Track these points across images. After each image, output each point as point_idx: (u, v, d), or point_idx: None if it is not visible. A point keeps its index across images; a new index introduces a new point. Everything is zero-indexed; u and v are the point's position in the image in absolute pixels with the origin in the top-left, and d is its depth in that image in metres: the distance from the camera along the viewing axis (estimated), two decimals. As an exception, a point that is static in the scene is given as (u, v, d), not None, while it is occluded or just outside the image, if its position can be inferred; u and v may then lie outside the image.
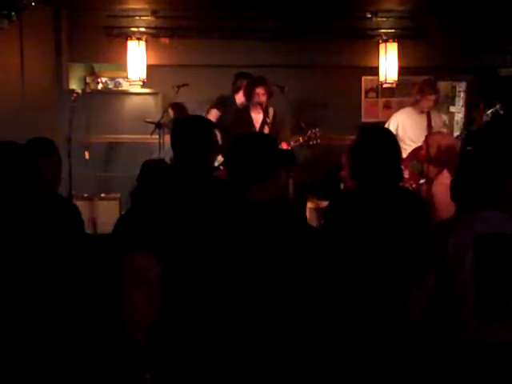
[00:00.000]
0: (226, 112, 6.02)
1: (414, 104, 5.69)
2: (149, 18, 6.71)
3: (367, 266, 2.85)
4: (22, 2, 4.81)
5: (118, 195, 6.35)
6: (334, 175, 5.87)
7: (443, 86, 7.55)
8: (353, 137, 3.08)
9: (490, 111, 5.53)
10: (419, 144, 5.57)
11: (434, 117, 5.72)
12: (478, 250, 2.44)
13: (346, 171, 4.77)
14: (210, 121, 3.40)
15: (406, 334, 2.65)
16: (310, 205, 6.00)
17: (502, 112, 5.48)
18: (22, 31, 5.60)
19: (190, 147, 2.94)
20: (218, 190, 2.83)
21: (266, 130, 5.69)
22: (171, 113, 6.21)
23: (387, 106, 7.30)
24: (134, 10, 6.65)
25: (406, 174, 4.98)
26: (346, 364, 2.83)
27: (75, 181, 5.77)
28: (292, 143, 5.72)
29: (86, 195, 6.26)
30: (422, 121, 5.64)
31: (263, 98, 5.62)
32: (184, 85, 6.26)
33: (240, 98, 6.10)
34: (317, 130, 5.77)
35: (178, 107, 6.24)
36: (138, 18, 6.69)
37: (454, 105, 7.94)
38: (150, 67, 6.70)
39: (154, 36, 6.74)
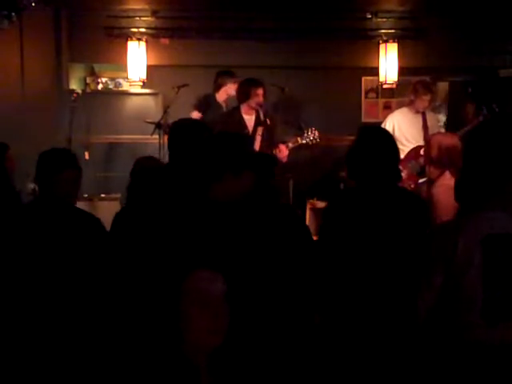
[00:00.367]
0: (207, 112, 6.03)
1: (410, 104, 5.71)
2: (149, 18, 6.71)
3: (365, 266, 2.85)
4: (22, 2, 4.81)
5: (118, 195, 6.34)
6: (334, 175, 5.88)
7: (442, 86, 7.56)
8: (353, 137, 3.09)
9: (485, 110, 5.51)
10: (416, 144, 5.59)
11: (430, 117, 5.73)
12: (486, 250, 2.44)
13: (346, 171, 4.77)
14: (204, 125, 3.44)
15: (412, 333, 2.65)
16: (309, 205, 6.00)
17: (497, 110, 5.46)
18: (22, 31, 5.61)
19: (185, 150, 2.99)
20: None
21: (260, 131, 5.69)
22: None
23: (387, 107, 7.29)
24: (134, 10, 6.65)
25: (405, 175, 4.98)
26: (352, 364, 2.83)
27: (75, 181, 5.77)
28: (290, 145, 5.72)
29: (85, 195, 6.25)
30: (418, 121, 5.65)
31: (262, 99, 5.63)
32: (184, 85, 6.25)
33: (221, 96, 6.14)
34: (313, 129, 5.76)
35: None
36: (138, 18, 6.69)
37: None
38: (150, 67, 6.70)
39: (154, 36, 6.74)
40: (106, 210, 6.03)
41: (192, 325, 2.06)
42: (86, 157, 6.51)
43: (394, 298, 2.76)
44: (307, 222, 5.69)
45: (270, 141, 5.75)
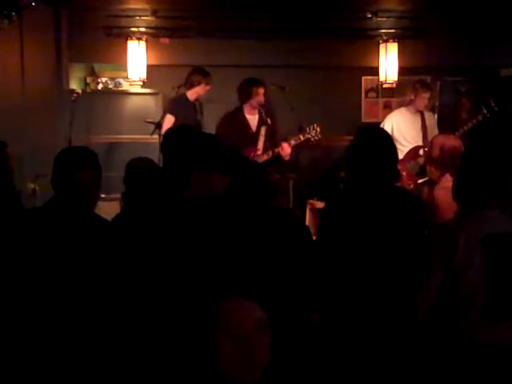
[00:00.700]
0: (180, 113, 5.87)
1: (409, 104, 5.71)
2: (149, 17, 6.70)
3: (364, 265, 2.85)
4: (22, 2, 4.82)
5: (118, 195, 6.32)
6: (334, 175, 5.87)
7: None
8: (352, 137, 3.09)
9: (484, 110, 5.50)
10: (414, 144, 5.60)
11: (428, 116, 5.74)
12: (486, 249, 2.45)
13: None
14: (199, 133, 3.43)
15: (412, 332, 2.65)
16: (309, 205, 5.99)
17: (496, 109, 5.45)
18: (22, 31, 5.61)
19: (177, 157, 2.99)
20: None
21: (263, 131, 5.69)
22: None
23: (387, 106, 7.28)
24: (134, 9, 6.65)
25: (404, 175, 4.98)
26: (352, 364, 2.83)
27: (75, 181, 5.76)
28: (293, 142, 5.71)
29: (85, 195, 6.24)
30: (417, 121, 5.66)
31: (263, 98, 5.63)
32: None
33: (193, 94, 5.96)
34: (315, 125, 5.74)
35: None
36: (138, 17, 6.68)
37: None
38: (150, 67, 6.69)
39: (154, 36, 6.73)
40: (107, 210, 6.03)
41: (225, 359, 1.77)
42: (86, 157, 6.50)
43: (394, 298, 2.76)
44: (307, 223, 5.69)
45: (273, 140, 5.76)
